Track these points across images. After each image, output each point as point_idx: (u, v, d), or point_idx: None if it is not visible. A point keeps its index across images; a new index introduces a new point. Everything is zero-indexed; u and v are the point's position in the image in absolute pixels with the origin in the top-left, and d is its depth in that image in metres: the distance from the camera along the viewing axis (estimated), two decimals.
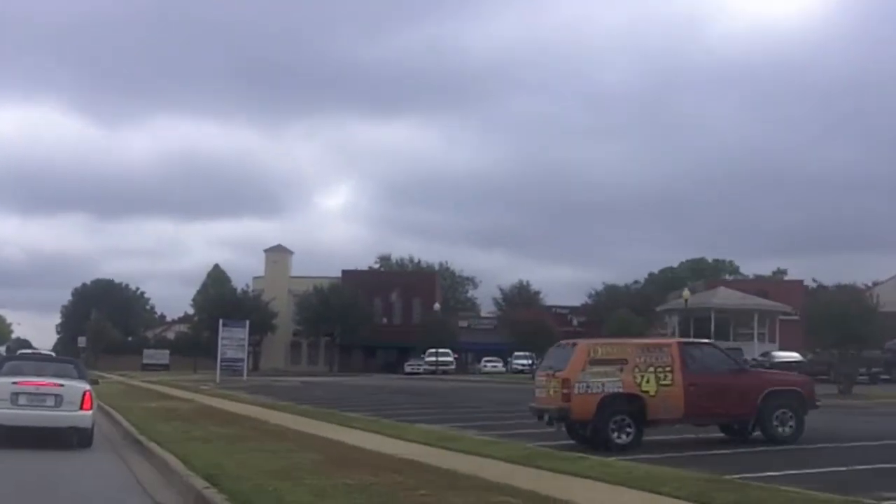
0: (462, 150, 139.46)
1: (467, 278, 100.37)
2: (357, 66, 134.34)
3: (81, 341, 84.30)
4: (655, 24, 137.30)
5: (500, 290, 75.26)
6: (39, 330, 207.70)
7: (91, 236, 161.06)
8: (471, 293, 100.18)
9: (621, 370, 14.98)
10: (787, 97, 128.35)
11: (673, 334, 49.58)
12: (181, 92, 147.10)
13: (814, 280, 76.90)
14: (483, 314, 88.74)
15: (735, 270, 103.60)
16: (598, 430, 14.87)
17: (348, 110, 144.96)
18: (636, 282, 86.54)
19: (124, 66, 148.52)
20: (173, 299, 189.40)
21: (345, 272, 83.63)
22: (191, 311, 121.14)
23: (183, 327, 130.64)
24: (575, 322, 80.00)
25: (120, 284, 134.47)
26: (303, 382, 48.87)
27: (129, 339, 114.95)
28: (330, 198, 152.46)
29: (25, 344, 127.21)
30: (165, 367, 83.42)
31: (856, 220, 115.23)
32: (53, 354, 50.22)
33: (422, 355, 68.97)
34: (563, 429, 15.50)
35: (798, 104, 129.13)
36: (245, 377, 47.33)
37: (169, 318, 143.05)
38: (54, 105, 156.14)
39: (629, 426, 14.91)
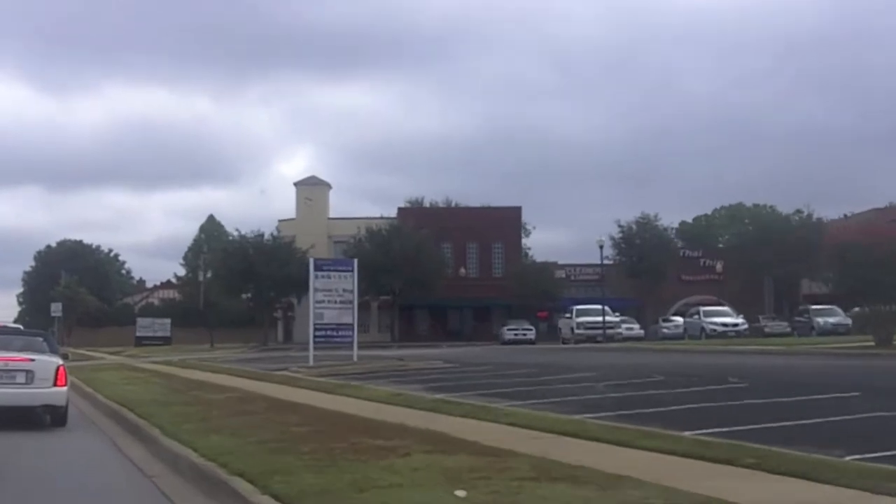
0: (422, 111, 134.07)
1: None
2: (311, 26, 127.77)
3: (55, 309, 64.04)
4: None
5: (620, 225, 56.24)
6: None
7: (44, 209, 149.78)
8: None
9: None
10: (754, 49, 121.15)
11: None
12: (131, 58, 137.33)
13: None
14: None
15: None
16: None
17: (303, 73, 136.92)
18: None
19: (71, 32, 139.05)
20: (143, 270, 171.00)
21: (401, 210, 63.90)
22: (174, 276, 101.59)
23: (171, 293, 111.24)
24: (719, 267, 61.62)
25: (90, 246, 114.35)
26: (401, 359, 30.05)
27: (109, 306, 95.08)
28: (288, 164, 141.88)
29: None
30: (167, 341, 63.67)
31: (826, 173, 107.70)
32: (21, 328, 32.91)
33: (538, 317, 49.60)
34: None
35: (765, 55, 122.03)
36: (356, 356, 28.10)
37: (149, 285, 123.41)
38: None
39: None
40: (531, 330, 52.91)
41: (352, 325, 28.04)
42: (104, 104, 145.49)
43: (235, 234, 59.37)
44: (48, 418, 13.69)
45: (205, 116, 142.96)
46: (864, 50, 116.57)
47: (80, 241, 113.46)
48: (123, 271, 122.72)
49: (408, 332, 60.35)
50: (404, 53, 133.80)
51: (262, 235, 60.24)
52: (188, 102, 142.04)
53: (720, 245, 77.75)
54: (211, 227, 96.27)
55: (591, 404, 13.83)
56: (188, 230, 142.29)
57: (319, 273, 27.88)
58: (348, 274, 28.06)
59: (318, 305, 27.69)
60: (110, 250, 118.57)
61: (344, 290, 27.93)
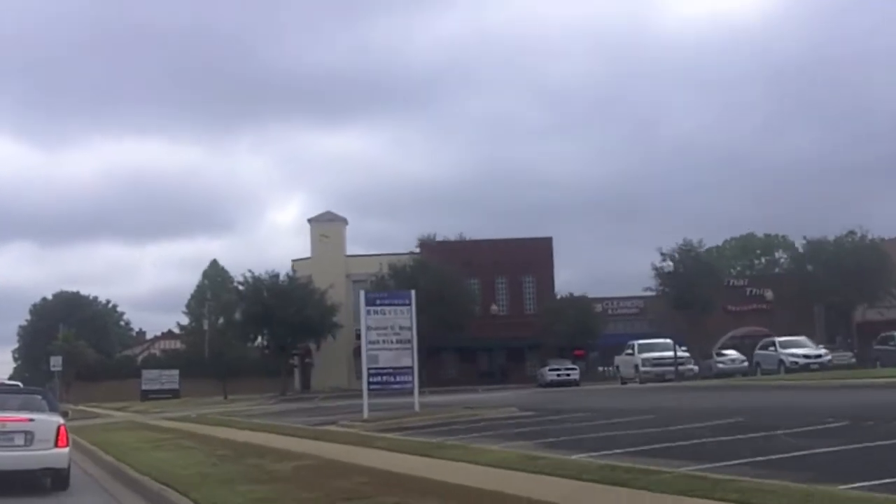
0: (415, 154, 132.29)
1: None
2: (301, 72, 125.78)
3: (55, 363, 59.53)
4: (607, 14, 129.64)
5: (663, 254, 52.07)
6: None
7: (37, 264, 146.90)
8: None
9: None
10: (741, 82, 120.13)
11: None
12: (120, 109, 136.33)
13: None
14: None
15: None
16: None
17: (295, 119, 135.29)
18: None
19: (60, 85, 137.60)
20: (139, 323, 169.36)
21: (423, 243, 59.67)
22: (178, 325, 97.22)
23: (172, 343, 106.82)
24: (769, 296, 57.51)
25: (87, 297, 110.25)
26: (469, 406, 25.98)
27: (109, 358, 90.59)
28: (282, 211, 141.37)
29: None
30: (175, 394, 59.20)
31: (814, 206, 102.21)
32: (20, 385, 29.33)
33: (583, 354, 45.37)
34: None
35: (752, 88, 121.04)
36: (417, 405, 23.94)
37: (149, 336, 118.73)
38: None
39: None
40: (574, 369, 48.68)
41: (411, 367, 23.83)
42: (94, 156, 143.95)
43: (248, 275, 55.04)
44: (49, 481, 13.08)
45: (196, 166, 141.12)
46: (850, 77, 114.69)
47: (77, 293, 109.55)
48: (122, 322, 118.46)
49: (435, 376, 55.94)
50: (394, 97, 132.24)
51: (276, 276, 55.99)
52: (180, 152, 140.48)
53: (751, 272, 74.10)
54: (214, 273, 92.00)
55: (823, 464, 9.78)
56: (183, 281, 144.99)
57: (372, 308, 23.73)
58: (405, 308, 23.91)
59: (371, 346, 23.49)
60: (108, 301, 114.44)
61: (401, 328, 23.77)
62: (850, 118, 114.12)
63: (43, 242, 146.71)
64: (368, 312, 23.67)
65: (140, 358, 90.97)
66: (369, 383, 23.47)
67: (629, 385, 38.10)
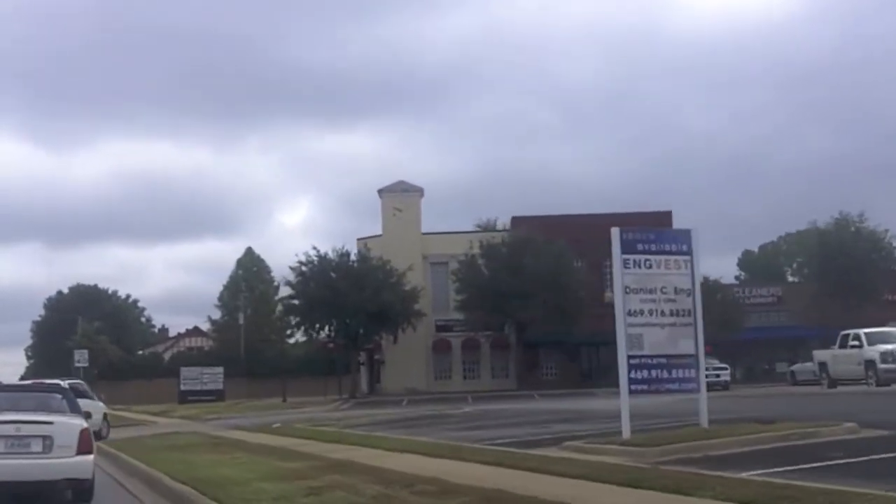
0: (424, 154, 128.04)
1: None
2: (310, 72, 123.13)
3: (80, 357, 50.39)
4: (619, 13, 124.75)
5: (818, 226, 42.35)
6: (3, 366, 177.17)
7: (45, 265, 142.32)
8: None
9: None
10: (752, 84, 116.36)
11: None
12: (129, 109, 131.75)
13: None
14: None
15: None
16: None
17: (304, 119, 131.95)
18: None
19: (68, 85, 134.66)
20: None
21: (516, 219, 50.08)
22: (208, 319, 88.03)
23: (199, 341, 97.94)
24: None
25: (106, 291, 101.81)
26: (769, 422, 16.28)
27: (136, 354, 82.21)
28: (291, 213, 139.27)
29: None
30: (219, 396, 50.07)
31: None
32: (62, 383, 20.78)
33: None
34: None
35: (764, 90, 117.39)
36: (705, 418, 14.49)
37: (172, 334, 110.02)
38: None
39: None
40: (725, 369, 39.34)
41: (694, 356, 14.52)
42: (102, 157, 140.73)
43: (313, 253, 45.45)
44: (69, 494, 11.25)
45: (205, 167, 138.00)
46: (864, 79, 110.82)
47: (96, 286, 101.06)
48: (143, 319, 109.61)
49: (529, 377, 46.69)
50: (403, 97, 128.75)
51: (346, 255, 46.46)
52: (188, 153, 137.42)
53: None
54: (250, 262, 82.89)
55: None
56: (192, 282, 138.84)
57: (632, 258, 14.49)
58: (684, 260, 14.61)
59: (633, 322, 14.17)
60: (128, 296, 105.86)
61: (677, 291, 14.49)
62: (865, 121, 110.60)
63: (51, 243, 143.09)
64: (627, 265, 14.42)
65: (167, 356, 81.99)
66: (633, 380, 14.13)
67: (852, 388, 28.66)
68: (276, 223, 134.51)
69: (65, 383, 19.50)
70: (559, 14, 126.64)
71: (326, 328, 46.21)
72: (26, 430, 10.83)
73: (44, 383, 17.72)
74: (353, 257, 46.27)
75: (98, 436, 28.03)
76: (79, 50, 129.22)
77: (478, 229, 56.13)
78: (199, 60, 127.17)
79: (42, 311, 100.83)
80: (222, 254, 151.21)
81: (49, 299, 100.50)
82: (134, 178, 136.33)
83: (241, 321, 75.52)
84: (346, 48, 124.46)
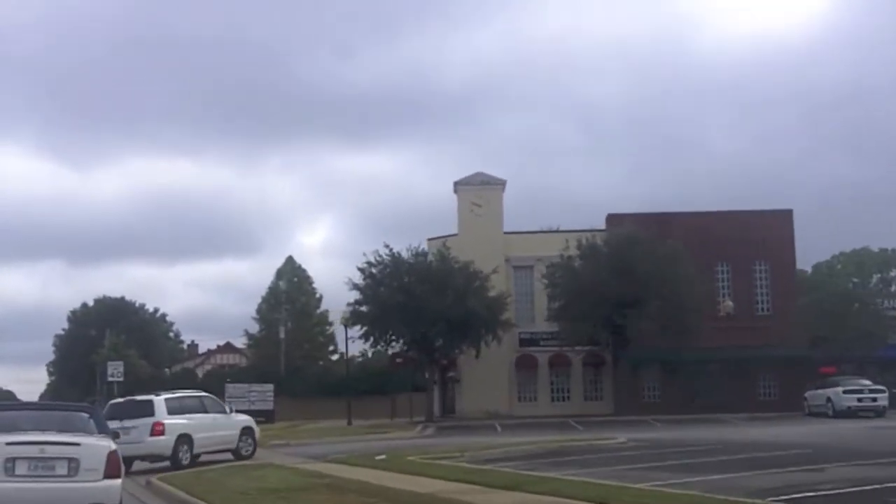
0: (446, 174, 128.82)
1: None
2: (332, 91, 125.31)
3: (114, 371, 44.18)
4: (644, 33, 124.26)
5: None
6: (24, 383, 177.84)
7: (66, 284, 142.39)
8: None
9: None
10: (778, 107, 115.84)
11: None
12: (151, 127, 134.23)
13: None
14: None
15: None
16: None
17: (326, 138, 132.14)
18: None
19: (91, 105, 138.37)
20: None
21: (611, 216, 43.60)
22: (245, 333, 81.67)
23: (231, 357, 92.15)
24: None
25: (133, 304, 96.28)
26: None
27: (161, 372, 76.35)
28: (311, 233, 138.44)
29: (8, 395, 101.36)
30: (268, 417, 43.67)
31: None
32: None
33: None
34: None
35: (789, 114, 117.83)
36: None
37: (202, 350, 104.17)
38: (21, 149, 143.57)
39: None
40: (883, 392, 32.76)
41: None
42: (125, 176, 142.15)
43: (385, 252, 38.86)
44: None
45: (226, 186, 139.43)
46: (890, 107, 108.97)
47: (123, 298, 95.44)
48: (171, 334, 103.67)
49: (629, 399, 40.06)
50: (425, 116, 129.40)
51: (424, 255, 39.92)
52: (210, 172, 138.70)
53: None
54: (290, 272, 76.76)
55: None
56: (212, 301, 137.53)
57: None
58: None
59: None
60: (156, 310, 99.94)
61: None
62: (889, 147, 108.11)
63: (72, 261, 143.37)
64: None
65: (202, 372, 75.93)
66: None
67: None
68: (296, 244, 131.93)
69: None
70: (582, 34, 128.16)
71: (399, 339, 39.64)
72: (51, 451, 10.27)
73: (134, 399, 15.84)
74: (430, 258, 39.73)
75: (238, 455, 21.90)
76: (103, 69, 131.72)
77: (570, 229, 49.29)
78: (222, 81, 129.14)
79: (66, 324, 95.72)
80: (242, 273, 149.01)
81: (73, 311, 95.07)
82: (155, 196, 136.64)
83: (282, 335, 69.46)
84: (369, 68, 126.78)
